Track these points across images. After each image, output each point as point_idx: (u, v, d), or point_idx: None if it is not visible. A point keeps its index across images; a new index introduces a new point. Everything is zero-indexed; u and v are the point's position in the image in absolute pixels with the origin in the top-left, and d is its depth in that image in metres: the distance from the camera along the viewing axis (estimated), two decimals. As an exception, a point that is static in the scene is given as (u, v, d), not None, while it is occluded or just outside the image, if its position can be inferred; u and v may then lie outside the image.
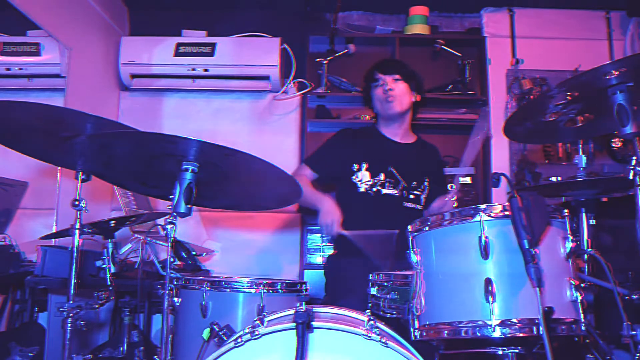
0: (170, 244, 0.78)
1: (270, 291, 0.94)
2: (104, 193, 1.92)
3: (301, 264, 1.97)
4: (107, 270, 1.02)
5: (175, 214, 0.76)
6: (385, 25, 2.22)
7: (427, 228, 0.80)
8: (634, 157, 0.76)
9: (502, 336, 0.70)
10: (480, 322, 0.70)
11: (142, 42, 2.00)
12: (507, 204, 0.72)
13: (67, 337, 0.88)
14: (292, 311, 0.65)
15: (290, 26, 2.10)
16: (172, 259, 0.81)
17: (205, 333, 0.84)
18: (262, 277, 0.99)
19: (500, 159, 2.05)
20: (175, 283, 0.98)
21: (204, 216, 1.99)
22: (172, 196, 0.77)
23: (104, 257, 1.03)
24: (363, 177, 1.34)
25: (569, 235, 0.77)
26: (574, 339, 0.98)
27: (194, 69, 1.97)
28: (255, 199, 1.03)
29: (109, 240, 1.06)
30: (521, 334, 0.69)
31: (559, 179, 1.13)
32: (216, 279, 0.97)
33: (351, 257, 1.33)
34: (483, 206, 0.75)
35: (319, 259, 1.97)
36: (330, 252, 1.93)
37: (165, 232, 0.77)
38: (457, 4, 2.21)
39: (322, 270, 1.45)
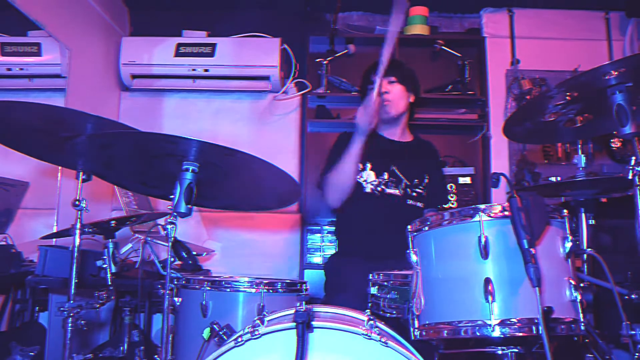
0: (170, 243, 0.78)
1: (270, 291, 0.94)
2: (105, 193, 1.92)
3: (301, 263, 1.97)
4: (108, 270, 1.03)
5: (175, 214, 0.77)
6: (385, 25, 2.22)
7: (426, 228, 0.80)
8: (633, 157, 0.76)
9: (502, 336, 0.70)
10: (479, 322, 0.71)
11: (143, 43, 2.00)
12: (506, 204, 0.72)
13: (68, 337, 0.89)
14: (292, 311, 0.65)
15: (291, 26, 2.11)
16: (172, 259, 0.81)
17: (206, 333, 0.85)
18: (262, 277, 0.99)
19: (500, 159, 2.06)
20: (175, 283, 0.98)
21: (204, 216, 1.99)
22: (172, 196, 0.77)
23: (105, 257, 1.03)
24: (368, 177, 1.34)
25: (568, 235, 0.77)
26: (573, 338, 0.98)
27: (194, 69, 1.97)
28: (255, 199, 1.03)
29: (110, 240, 1.06)
30: (521, 334, 0.70)
31: (558, 179, 1.14)
32: (216, 278, 0.97)
33: (351, 256, 1.33)
34: (482, 206, 0.75)
35: (318, 259, 1.97)
36: (331, 251, 1.93)
37: (165, 232, 0.77)
38: (456, 5, 2.22)
39: (322, 270, 1.46)
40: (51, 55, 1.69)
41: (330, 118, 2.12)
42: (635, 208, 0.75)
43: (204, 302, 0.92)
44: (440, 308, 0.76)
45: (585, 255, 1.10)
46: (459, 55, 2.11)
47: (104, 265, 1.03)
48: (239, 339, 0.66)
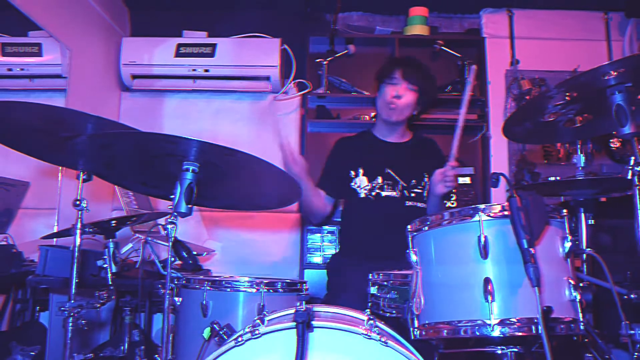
0: (170, 243, 0.78)
1: (271, 290, 0.94)
2: (105, 193, 1.92)
3: (301, 263, 1.97)
4: (108, 269, 1.03)
5: (176, 213, 0.77)
6: (384, 26, 2.23)
7: (426, 228, 0.80)
8: (633, 157, 0.77)
9: (501, 335, 0.70)
10: (479, 322, 0.71)
11: (143, 43, 2.00)
12: (506, 203, 0.72)
13: (69, 337, 0.89)
14: (292, 310, 0.65)
15: (291, 27, 2.11)
16: (172, 259, 0.81)
17: (206, 332, 0.85)
18: (262, 277, 0.99)
19: (499, 159, 2.06)
20: (175, 282, 0.98)
21: (205, 216, 1.99)
22: (172, 196, 0.77)
23: (105, 257, 1.04)
24: (361, 183, 1.34)
25: (567, 235, 0.77)
26: (572, 338, 0.98)
27: (194, 70, 1.97)
28: (256, 199, 1.03)
29: (110, 239, 1.06)
30: (520, 333, 0.70)
31: (558, 179, 1.14)
32: (217, 278, 0.97)
33: (352, 257, 1.34)
34: (482, 206, 0.75)
35: (318, 259, 1.97)
36: (331, 251, 1.93)
37: (166, 231, 0.78)
38: (456, 5, 2.22)
39: (323, 270, 1.46)
40: (52, 55, 1.69)
41: (330, 118, 2.12)
42: (634, 208, 0.75)
43: (204, 302, 0.92)
44: (440, 308, 0.76)
45: (584, 255, 1.10)
46: (459, 55, 2.12)
47: (105, 265, 1.03)
48: (239, 339, 0.66)
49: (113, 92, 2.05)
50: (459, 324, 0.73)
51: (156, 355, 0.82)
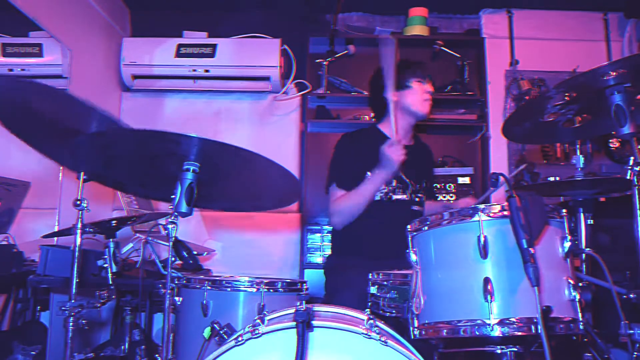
0: (171, 243, 0.78)
1: (271, 290, 0.94)
2: (106, 193, 1.92)
3: (301, 263, 1.97)
4: (109, 269, 1.03)
5: (176, 213, 0.77)
6: (384, 26, 2.23)
7: (426, 228, 0.80)
8: (632, 157, 0.77)
9: (501, 335, 0.70)
10: (479, 321, 0.71)
11: (144, 43, 2.01)
12: (505, 203, 0.72)
13: (69, 336, 0.89)
14: (293, 310, 0.65)
15: (291, 27, 2.11)
16: (173, 259, 0.81)
17: (206, 332, 0.85)
18: (263, 277, 0.99)
19: (499, 159, 2.06)
20: (176, 282, 0.98)
21: (205, 216, 2.00)
22: (172, 197, 0.77)
23: (106, 257, 1.04)
24: None
25: (567, 235, 0.77)
26: (572, 337, 0.99)
27: (194, 70, 1.98)
28: (256, 199, 1.03)
29: (111, 239, 1.07)
30: (520, 333, 0.70)
31: (557, 179, 1.14)
32: (217, 278, 0.97)
33: (351, 256, 1.33)
34: (482, 206, 0.75)
35: (318, 259, 1.97)
36: (330, 251, 1.93)
37: (166, 231, 0.78)
38: (456, 6, 2.22)
39: (322, 270, 1.45)
40: (52, 55, 1.69)
41: (330, 118, 2.12)
42: (633, 208, 0.75)
43: (204, 302, 0.93)
44: (440, 307, 0.76)
45: (584, 255, 1.10)
46: (459, 55, 2.12)
47: (105, 265, 1.03)
48: (240, 338, 0.66)
49: (113, 93, 2.05)
50: (459, 324, 0.73)
51: (157, 355, 0.83)
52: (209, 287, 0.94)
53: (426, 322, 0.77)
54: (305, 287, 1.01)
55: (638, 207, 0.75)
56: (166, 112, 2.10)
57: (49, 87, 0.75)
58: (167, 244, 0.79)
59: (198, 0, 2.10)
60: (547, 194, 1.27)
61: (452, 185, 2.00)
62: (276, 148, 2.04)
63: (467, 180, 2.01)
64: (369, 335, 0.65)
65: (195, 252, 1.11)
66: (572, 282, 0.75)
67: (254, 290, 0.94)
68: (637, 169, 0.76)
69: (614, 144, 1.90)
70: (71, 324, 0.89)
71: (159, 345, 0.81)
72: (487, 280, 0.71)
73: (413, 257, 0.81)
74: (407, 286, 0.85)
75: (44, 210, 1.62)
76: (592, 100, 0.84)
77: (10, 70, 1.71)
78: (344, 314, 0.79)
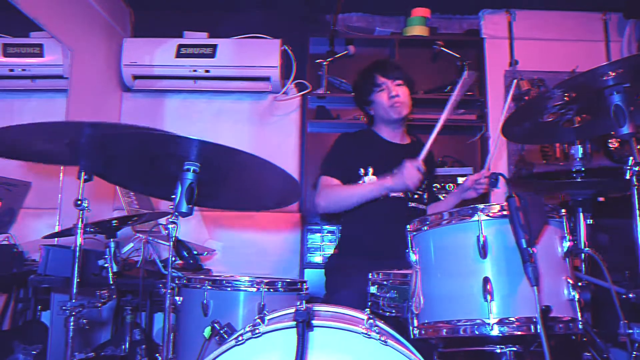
0: (171, 243, 0.79)
1: (271, 290, 0.95)
2: (107, 193, 1.93)
3: (301, 263, 1.97)
4: (109, 269, 1.03)
5: (177, 213, 0.77)
6: (384, 26, 2.23)
7: (425, 227, 0.80)
8: (631, 158, 0.77)
9: (500, 334, 0.70)
10: (478, 321, 0.71)
11: (144, 44, 2.01)
12: (505, 203, 0.73)
13: (70, 336, 0.89)
14: (293, 310, 0.66)
15: (291, 28, 2.12)
16: (173, 258, 0.81)
17: (207, 331, 0.85)
18: (263, 276, 1.00)
19: (498, 159, 2.07)
20: (176, 282, 0.99)
21: (205, 216, 2.00)
22: (173, 196, 0.77)
23: (106, 256, 1.04)
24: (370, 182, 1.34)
25: (566, 235, 0.77)
26: (571, 337, 0.99)
27: (195, 70, 1.98)
28: (256, 199, 1.03)
29: (111, 239, 1.07)
30: (519, 333, 0.70)
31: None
32: (217, 277, 0.97)
33: (351, 256, 1.34)
34: (481, 206, 0.75)
35: (318, 258, 1.98)
36: (330, 251, 1.93)
37: (167, 231, 0.78)
38: (456, 6, 2.23)
39: (322, 269, 1.46)
40: (53, 56, 1.70)
41: (330, 119, 2.13)
42: (633, 207, 0.76)
43: (205, 301, 0.93)
44: (440, 307, 0.76)
45: (583, 255, 1.10)
46: (458, 56, 2.12)
47: (106, 265, 1.03)
48: (240, 338, 0.66)
49: (114, 93, 2.05)
50: (458, 323, 0.73)
51: (157, 354, 0.83)
52: (209, 287, 0.94)
53: (426, 321, 0.77)
54: (305, 286, 1.01)
55: (637, 207, 0.75)
56: (167, 113, 2.10)
57: (42, 123, 0.75)
58: (167, 243, 0.80)
59: (198, 0, 2.10)
60: (547, 194, 1.27)
61: (451, 185, 2.00)
62: (276, 148, 2.05)
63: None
64: (369, 335, 0.65)
65: (195, 252, 1.12)
66: (571, 281, 0.75)
67: (254, 290, 0.94)
68: (636, 168, 0.76)
69: (613, 144, 1.90)
70: (72, 323, 0.89)
71: (160, 345, 0.81)
72: (486, 280, 0.72)
73: (413, 257, 0.81)
74: (407, 286, 0.85)
75: (45, 210, 1.62)
76: (591, 101, 0.84)
77: (11, 70, 1.71)
78: (344, 314, 0.79)
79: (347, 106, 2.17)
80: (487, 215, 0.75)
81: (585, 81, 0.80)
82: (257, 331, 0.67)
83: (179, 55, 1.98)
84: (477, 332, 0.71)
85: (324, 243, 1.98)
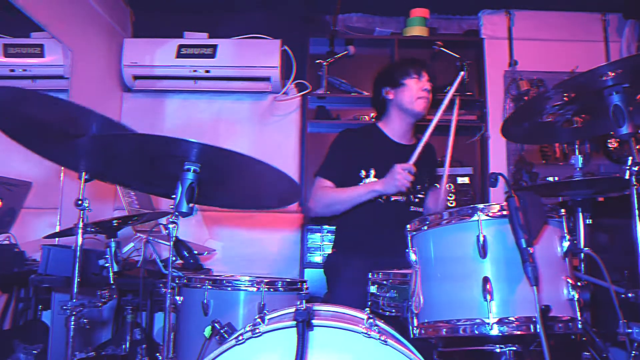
0: (172, 243, 0.79)
1: (271, 289, 0.95)
2: (107, 193, 1.93)
3: (301, 262, 1.98)
4: (110, 269, 1.03)
5: (177, 213, 0.77)
6: (384, 27, 2.24)
7: (425, 227, 0.81)
8: (630, 158, 0.77)
9: (500, 334, 0.70)
10: (478, 320, 0.71)
11: (145, 44, 2.01)
12: (504, 203, 0.73)
13: (71, 335, 0.89)
14: (293, 309, 0.66)
15: (291, 28, 2.12)
16: (174, 258, 0.82)
17: (207, 331, 0.85)
18: (263, 276, 1.00)
19: (498, 159, 2.07)
20: (177, 282, 0.99)
21: (206, 216, 2.00)
22: (174, 195, 0.78)
23: (107, 256, 1.04)
24: None
25: (565, 235, 0.78)
26: (570, 336, 0.99)
27: (195, 71, 1.98)
28: (256, 198, 1.04)
29: (112, 239, 1.07)
30: (518, 332, 0.70)
31: (556, 179, 1.14)
32: (217, 277, 0.98)
33: (350, 255, 1.34)
34: (481, 206, 0.76)
35: (318, 258, 1.98)
36: (330, 250, 1.94)
37: (167, 231, 0.78)
38: (455, 6, 2.23)
39: (322, 269, 1.46)
40: (54, 56, 1.70)
41: (330, 119, 2.13)
42: (632, 207, 0.76)
43: (205, 301, 0.93)
44: (439, 306, 0.76)
45: (582, 255, 1.10)
46: (458, 56, 2.13)
47: (107, 264, 1.04)
48: (240, 337, 0.67)
49: (115, 93, 2.06)
50: (458, 323, 0.73)
51: (157, 354, 0.83)
52: (209, 287, 0.94)
53: (426, 321, 0.78)
54: (305, 286, 1.02)
55: (636, 207, 0.75)
56: (167, 113, 2.10)
57: (50, 96, 0.76)
58: (168, 243, 0.80)
59: (199, 1, 2.11)
60: (546, 194, 1.27)
61: (451, 185, 2.00)
62: (276, 148, 2.05)
63: (466, 180, 2.01)
64: (369, 335, 0.65)
65: (196, 252, 1.12)
66: (570, 281, 0.75)
67: (255, 289, 0.94)
68: (635, 168, 0.76)
69: (613, 144, 1.91)
70: (72, 323, 0.89)
71: (160, 345, 0.81)
72: (486, 280, 0.72)
73: (412, 257, 0.82)
74: (407, 285, 0.86)
75: (46, 210, 1.62)
76: (590, 101, 0.84)
77: (12, 70, 1.72)
78: (344, 313, 0.79)
79: (347, 106, 2.17)
80: (487, 215, 0.75)
81: (584, 81, 0.80)
82: (257, 331, 0.67)
83: (179, 55, 1.98)
84: (476, 332, 0.71)
85: (324, 243, 1.98)
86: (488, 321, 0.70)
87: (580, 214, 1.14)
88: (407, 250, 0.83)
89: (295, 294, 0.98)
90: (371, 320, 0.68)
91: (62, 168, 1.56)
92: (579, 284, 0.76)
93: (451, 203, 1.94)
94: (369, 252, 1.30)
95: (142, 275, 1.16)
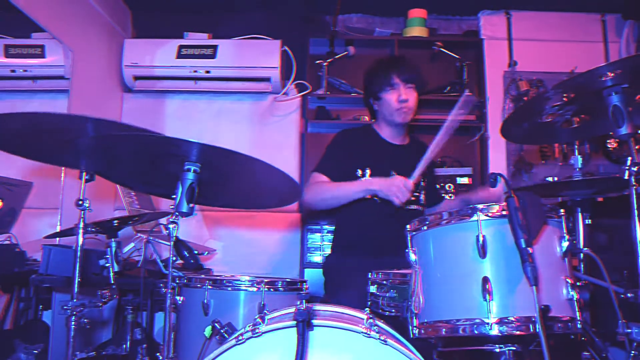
0: (172, 243, 0.79)
1: (271, 289, 0.95)
2: (108, 193, 1.93)
3: (301, 262, 1.98)
4: (111, 269, 1.03)
5: (177, 213, 0.78)
6: (384, 27, 2.24)
7: (425, 227, 0.81)
8: (629, 158, 0.77)
9: (500, 334, 0.71)
10: (477, 320, 0.71)
11: (145, 45, 2.02)
12: (504, 203, 0.73)
13: (71, 335, 0.89)
14: (293, 309, 0.66)
15: (291, 28, 2.12)
16: (174, 258, 0.82)
17: (207, 331, 0.86)
18: (263, 276, 1.00)
19: (498, 159, 2.07)
20: (177, 282, 0.99)
21: (206, 216, 2.00)
22: (174, 195, 0.78)
23: (107, 256, 1.04)
24: None
25: (565, 235, 0.78)
26: (570, 336, 0.99)
27: (195, 71, 1.98)
28: (256, 198, 1.04)
29: (112, 239, 1.07)
30: (518, 332, 0.70)
31: (555, 179, 1.15)
32: (218, 277, 0.98)
33: (350, 255, 1.34)
34: (480, 206, 0.76)
35: (318, 258, 1.98)
36: (329, 251, 1.94)
37: (167, 231, 0.78)
38: (455, 7, 2.23)
39: (321, 269, 1.46)
40: (54, 57, 1.70)
41: (330, 119, 2.13)
42: (631, 207, 0.76)
43: (205, 301, 0.93)
44: (439, 306, 0.77)
45: (581, 255, 1.11)
46: (457, 56, 2.13)
47: (107, 264, 1.04)
48: (240, 337, 0.67)
49: (115, 93, 2.06)
50: (458, 323, 0.73)
51: (158, 354, 0.83)
52: (209, 287, 0.94)
53: (425, 321, 0.78)
54: (305, 286, 1.02)
55: (635, 207, 0.75)
56: (167, 113, 2.11)
57: (45, 114, 0.76)
58: (168, 243, 0.80)
59: (199, 1, 2.11)
60: (546, 194, 1.27)
61: (451, 185, 2.00)
62: (276, 148, 2.05)
63: (466, 180, 2.02)
64: (369, 334, 0.65)
65: (196, 252, 1.12)
66: (570, 281, 0.75)
67: (255, 289, 0.94)
68: (634, 169, 0.76)
69: (612, 144, 1.91)
70: (73, 323, 0.89)
71: (161, 344, 0.81)
72: (485, 280, 0.72)
73: (412, 257, 0.82)
74: (407, 285, 0.86)
75: (46, 210, 1.63)
76: (590, 101, 0.85)
77: (13, 71, 1.72)
78: (344, 313, 0.79)
79: (347, 107, 2.18)
80: (486, 215, 0.75)
81: (583, 82, 0.81)
82: (257, 330, 0.67)
83: (179, 56, 1.99)
84: (476, 332, 0.71)
85: (324, 243, 1.98)
86: (488, 321, 0.71)
87: (580, 214, 1.14)
88: (406, 250, 0.83)
89: (296, 293, 0.98)
90: (371, 320, 0.68)
91: (63, 168, 1.56)
92: (578, 284, 0.77)
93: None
94: (369, 252, 1.31)
95: (143, 275, 1.16)
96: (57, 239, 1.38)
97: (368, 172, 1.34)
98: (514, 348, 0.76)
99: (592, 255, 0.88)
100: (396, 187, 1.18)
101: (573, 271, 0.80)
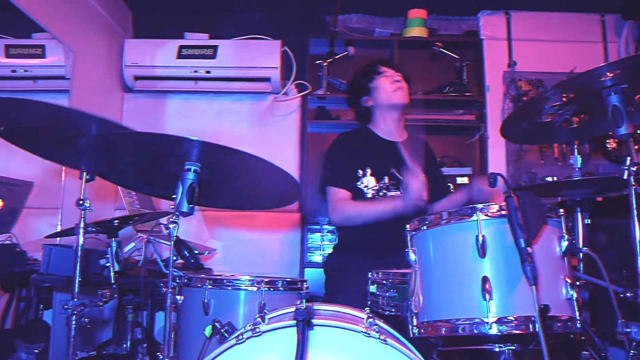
0: (172, 242, 0.79)
1: (271, 289, 0.95)
2: (108, 193, 1.93)
3: (301, 262, 1.98)
4: (111, 268, 1.04)
5: (177, 213, 0.78)
6: (384, 27, 2.24)
7: (425, 227, 0.81)
8: (628, 158, 0.77)
9: (499, 333, 0.71)
10: (477, 320, 0.72)
11: (145, 45, 2.02)
12: (503, 203, 0.73)
13: (72, 334, 0.90)
14: (293, 309, 0.66)
15: (291, 29, 2.13)
16: (174, 258, 0.82)
17: (207, 330, 0.86)
18: (263, 275, 1.00)
19: (497, 159, 2.08)
20: (177, 281, 0.99)
21: (206, 215, 2.01)
22: (174, 196, 0.78)
23: (108, 256, 1.04)
24: (369, 183, 1.32)
25: (564, 234, 0.78)
26: (569, 336, 0.99)
27: (196, 71, 1.99)
28: (257, 198, 1.04)
29: (113, 239, 1.07)
30: (517, 331, 0.70)
31: (555, 179, 1.15)
32: (218, 277, 0.98)
33: (351, 255, 1.34)
34: (480, 205, 0.76)
35: (318, 258, 1.98)
36: (330, 250, 1.94)
37: (168, 231, 0.79)
38: (454, 7, 2.24)
39: (322, 269, 1.46)
40: (55, 57, 1.71)
41: (330, 119, 2.14)
42: (630, 207, 0.76)
43: (205, 300, 0.93)
44: (439, 306, 0.77)
45: (581, 254, 1.11)
46: (457, 57, 2.13)
47: (107, 264, 1.04)
48: (240, 337, 0.67)
49: (116, 93, 2.06)
50: (457, 322, 0.73)
51: (158, 353, 0.83)
52: (210, 286, 0.94)
53: (425, 320, 0.78)
54: (305, 286, 1.02)
55: (635, 207, 0.76)
56: (168, 113, 2.11)
57: (49, 104, 0.77)
58: (168, 243, 0.80)
59: (199, 2, 2.11)
60: (545, 194, 1.28)
61: (450, 185, 2.01)
62: (276, 148, 2.05)
63: (465, 180, 2.02)
64: (369, 334, 0.66)
65: (196, 251, 1.12)
66: (569, 281, 0.75)
67: (255, 289, 0.94)
68: (634, 169, 0.76)
69: (611, 144, 1.91)
70: (74, 322, 0.90)
71: (161, 344, 0.81)
72: (485, 279, 0.72)
73: (412, 256, 0.82)
74: (406, 285, 0.86)
75: (47, 210, 1.63)
76: (589, 101, 0.85)
77: (14, 71, 1.72)
78: (344, 313, 0.79)
79: (347, 107, 2.17)
80: (486, 215, 0.75)
81: (583, 82, 0.81)
82: (257, 330, 0.67)
83: (180, 56, 1.99)
84: (476, 331, 0.72)
85: (323, 242, 1.99)
86: (487, 320, 0.71)
87: (579, 214, 1.14)
88: (406, 250, 0.83)
89: (296, 293, 0.99)
90: (371, 320, 0.69)
91: (64, 168, 1.56)
92: (577, 283, 0.77)
93: None
94: (369, 251, 1.31)
95: (143, 274, 1.16)
96: (58, 238, 1.38)
97: (369, 171, 1.34)
98: (513, 347, 0.76)
99: (591, 254, 0.88)
100: (413, 184, 1.15)
101: (572, 271, 0.80)
